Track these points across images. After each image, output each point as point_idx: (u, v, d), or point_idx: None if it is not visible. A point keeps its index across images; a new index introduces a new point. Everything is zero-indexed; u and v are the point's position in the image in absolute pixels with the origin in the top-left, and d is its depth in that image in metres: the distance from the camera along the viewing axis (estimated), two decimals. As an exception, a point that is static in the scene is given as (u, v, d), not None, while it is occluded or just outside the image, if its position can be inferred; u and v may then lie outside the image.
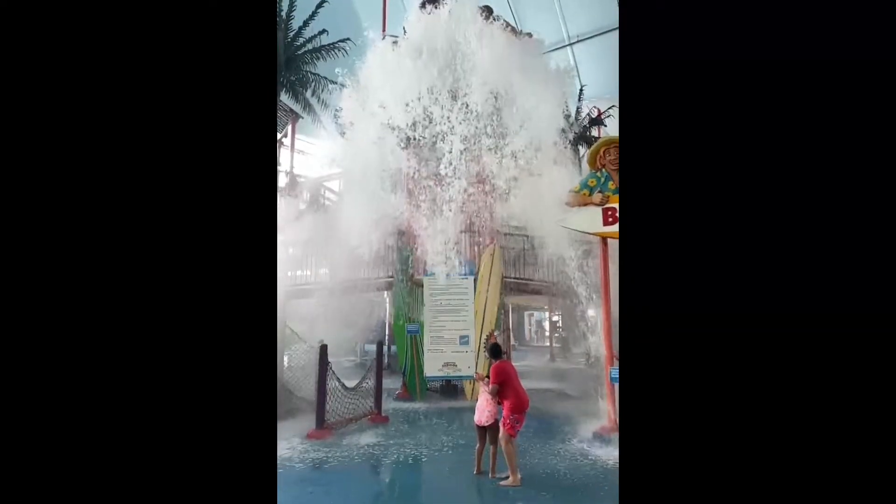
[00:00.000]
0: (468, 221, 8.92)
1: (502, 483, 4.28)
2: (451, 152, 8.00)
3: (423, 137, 8.26)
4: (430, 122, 8.21)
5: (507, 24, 9.14)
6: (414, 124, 8.25)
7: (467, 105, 8.03)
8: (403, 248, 8.95)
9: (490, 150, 8.08)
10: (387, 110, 8.20)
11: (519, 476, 4.27)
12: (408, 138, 8.35)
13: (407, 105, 8.09)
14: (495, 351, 4.67)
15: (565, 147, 8.66)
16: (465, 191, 8.24)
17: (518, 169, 7.87)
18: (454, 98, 8.16)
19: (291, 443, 5.66)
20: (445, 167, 8.06)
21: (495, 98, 8.10)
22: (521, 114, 7.98)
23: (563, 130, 8.52)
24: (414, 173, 8.71)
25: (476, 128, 8.00)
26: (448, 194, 8.11)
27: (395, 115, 8.15)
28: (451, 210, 8.10)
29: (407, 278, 8.95)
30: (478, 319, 8.81)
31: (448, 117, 8.03)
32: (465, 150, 8.00)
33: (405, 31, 8.79)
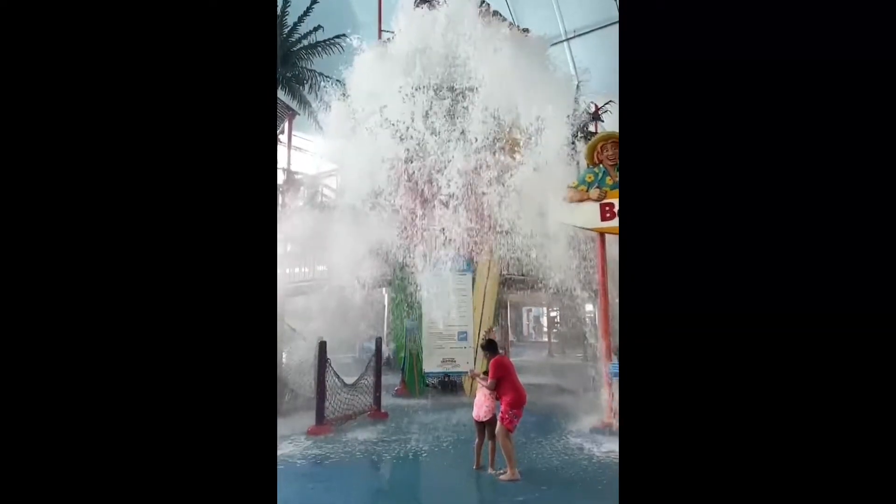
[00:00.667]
0: (469, 256, 8.47)
1: (501, 477, 4.31)
2: (448, 186, 7.23)
3: (421, 168, 7.39)
4: (425, 153, 7.26)
5: (511, 24, 8.31)
6: (409, 158, 7.34)
7: (464, 133, 7.10)
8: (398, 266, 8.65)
9: (491, 183, 7.20)
10: (376, 137, 7.25)
11: (517, 470, 4.31)
12: (403, 171, 7.45)
13: (399, 132, 7.08)
14: (490, 347, 4.71)
15: (568, 154, 7.88)
16: (465, 228, 7.61)
17: (521, 204, 7.06)
18: (451, 118, 7.23)
19: (291, 439, 5.69)
20: (441, 207, 7.31)
21: (498, 124, 7.22)
22: (526, 138, 7.10)
23: (571, 145, 7.59)
24: (408, 213, 7.89)
25: (477, 160, 7.11)
26: (447, 235, 7.40)
27: (384, 143, 7.19)
28: (448, 256, 7.44)
29: (405, 276, 8.94)
30: (476, 315, 8.84)
31: (446, 147, 7.10)
32: (465, 184, 7.17)
33: (397, 31, 7.96)
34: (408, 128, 7.23)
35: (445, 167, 7.20)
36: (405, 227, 8.11)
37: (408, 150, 7.40)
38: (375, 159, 7.40)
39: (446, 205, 7.37)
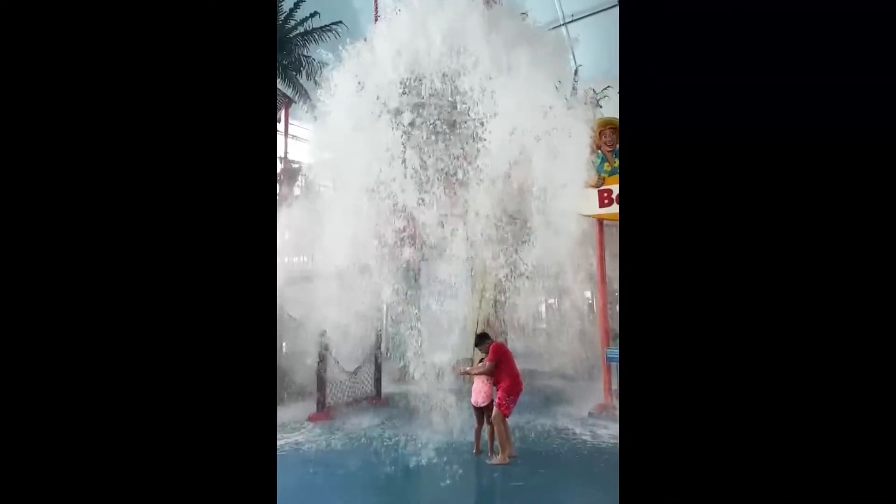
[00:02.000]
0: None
1: (492, 461, 4.38)
2: (448, 277, 6.08)
3: (412, 255, 6.08)
4: (416, 227, 5.72)
5: (524, 16, 6.56)
6: (400, 239, 5.83)
7: (467, 217, 5.71)
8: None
9: (496, 257, 5.97)
10: (360, 211, 5.54)
11: (509, 451, 4.39)
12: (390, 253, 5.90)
13: (385, 201, 5.36)
14: (483, 339, 4.76)
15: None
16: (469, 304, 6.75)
17: (532, 285, 5.85)
18: (450, 183, 5.56)
19: (293, 426, 5.76)
20: (438, 299, 6.27)
21: (508, 217, 5.84)
22: (541, 203, 5.61)
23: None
24: (399, 300, 6.48)
25: (483, 234, 5.57)
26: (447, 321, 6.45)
27: (368, 215, 5.47)
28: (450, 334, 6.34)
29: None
30: (475, 302, 8.87)
31: (443, 221, 5.62)
32: (468, 259, 5.88)
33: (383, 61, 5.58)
34: (395, 204, 5.43)
35: (443, 253, 5.82)
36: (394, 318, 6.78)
37: (399, 229, 5.76)
38: (360, 231, 5.72)
39: (444, 293, 6.38)
